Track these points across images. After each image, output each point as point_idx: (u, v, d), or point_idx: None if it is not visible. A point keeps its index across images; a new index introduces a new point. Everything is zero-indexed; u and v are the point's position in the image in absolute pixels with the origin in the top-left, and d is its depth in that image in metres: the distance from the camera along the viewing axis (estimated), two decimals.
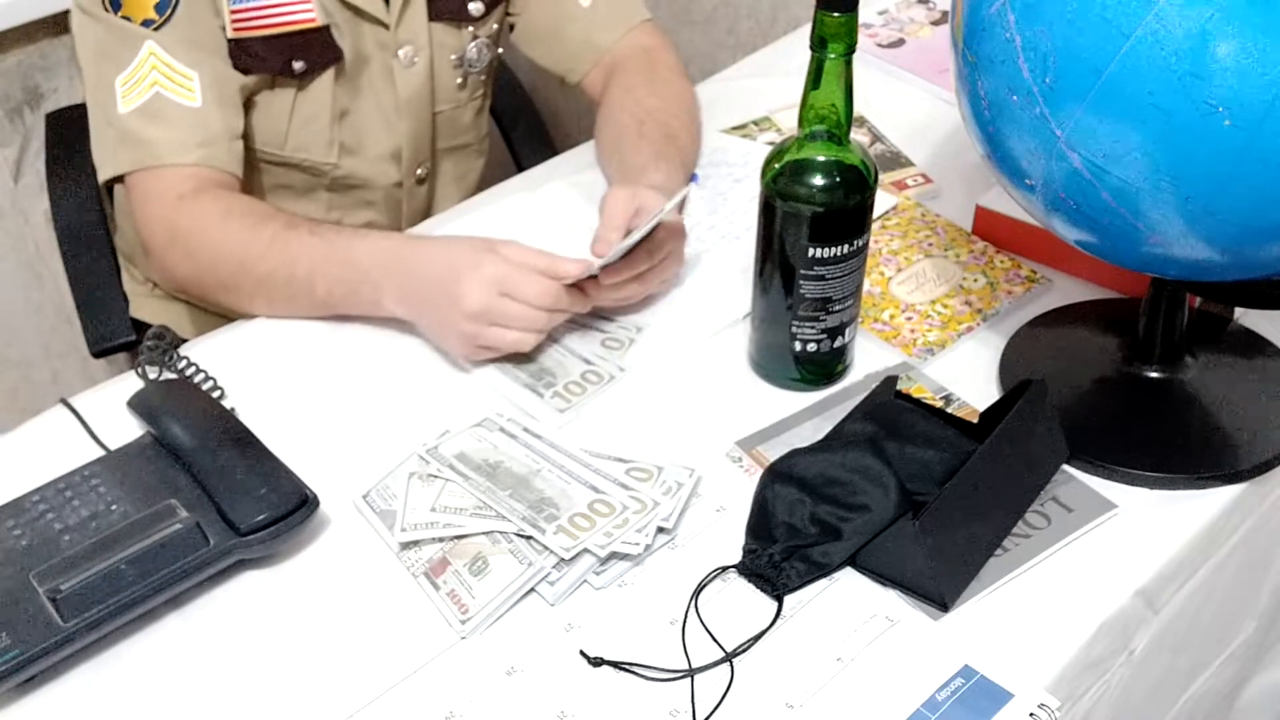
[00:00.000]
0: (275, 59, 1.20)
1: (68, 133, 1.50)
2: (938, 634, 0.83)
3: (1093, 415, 0.99)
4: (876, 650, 0.82)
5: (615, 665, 0.82)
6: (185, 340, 1.11)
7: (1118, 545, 0.90)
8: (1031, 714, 0.78)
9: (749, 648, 0.83)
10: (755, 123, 1.37)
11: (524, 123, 1.68)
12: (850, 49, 0.89)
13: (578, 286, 1.04)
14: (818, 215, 0.93)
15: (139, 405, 0.99)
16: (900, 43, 1.49)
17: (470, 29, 1.33)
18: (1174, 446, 0.96)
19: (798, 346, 1.00)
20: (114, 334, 1.40)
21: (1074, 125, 0.78)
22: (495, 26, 1.37)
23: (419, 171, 1.38)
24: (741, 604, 0.86)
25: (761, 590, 0.86)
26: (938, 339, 1.07)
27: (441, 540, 0.89)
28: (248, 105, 1.21)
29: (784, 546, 0.86)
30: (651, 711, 0.79)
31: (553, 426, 1.00)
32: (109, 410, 1.02)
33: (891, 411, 0.94)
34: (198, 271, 1.13)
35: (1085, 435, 0.95)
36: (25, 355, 1.93)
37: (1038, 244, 1.13)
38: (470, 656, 0.83)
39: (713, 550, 0.89)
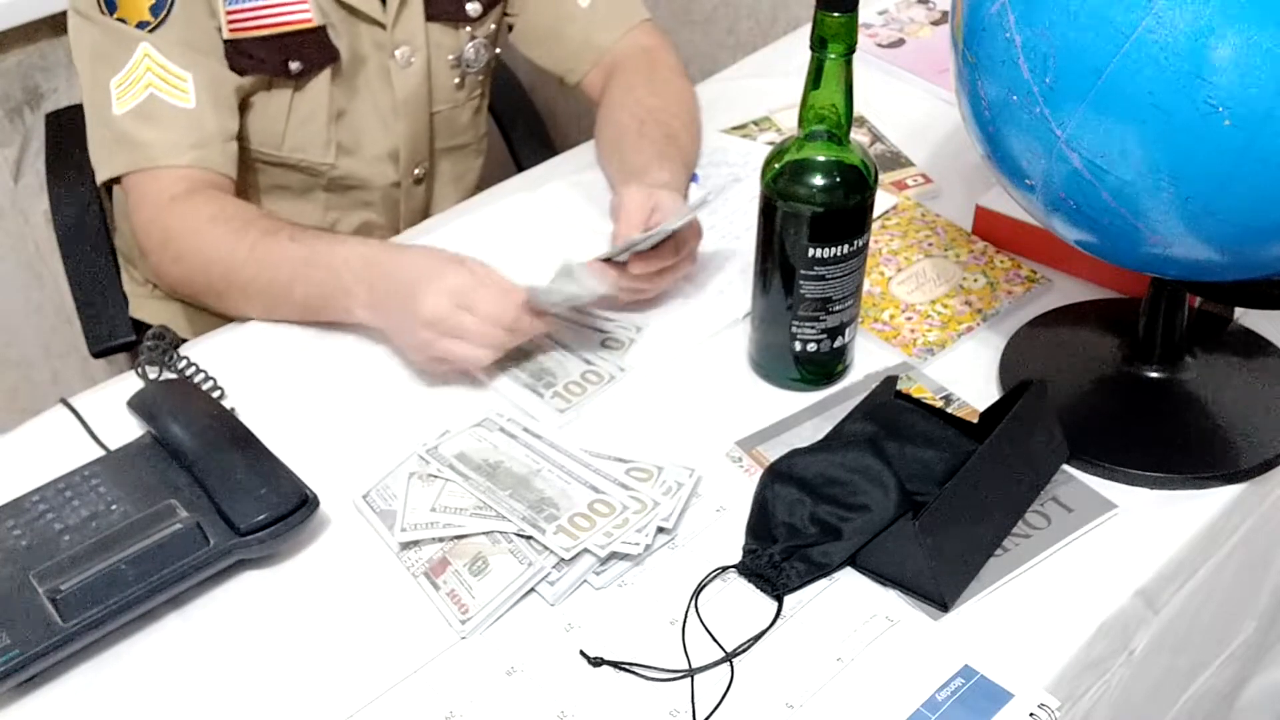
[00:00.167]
0: (271, 60, 1.20)
1: (68, 133, 1.50)
2: (938, 634, 0.83)
3: (1093, 415, 0.99)
4: (876, 650, 0.82)
5: (615, 665, 0.82)
6: (185, 340, 1.12)
7: (1118, 545, 0.90)
8: (1031, 714, 0.78)
9: (749, 648, 0.83)
10: (755, 123, 1.37)
11: (523, 122, 1.68)
12: (850, 49, 0.89)
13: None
14: (818, 215, 0.93)
15: (139, 405, 0.99)
16: (900, 43, 1.49)
17: (468, 29, 1.33)
18: (1174, 446, 0.96)
19: (798, 346, 1.00)
20: (114, 334, 1.40)
21: (1074, 125, 0.78)
22: (493, 27, 1.37)
23: (416, 171, 1.38)
24: (741, 604, 0.86)
25: (761, 590, 0.86)
26: (938, 339, 1.07)
27: (441, 540, 0.89)
28: (244, 106, 1.21)
29: (784, 546, 0.86)
30: (651, 711, 0.79)
31: (553, 426, 1.00)
32: (109, 410, 1.02)
33: (891, 411, 0.94)
34: (188, 274, 1.14)
35: (1085, 435, 0.95)
36: (25, 355, 1.93)
37: (1038, 244, 1.13)
38: (470, 656, 0.83)
39: (713, 550, 0.89)
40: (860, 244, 0.96)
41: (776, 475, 0.89)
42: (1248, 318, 1.07)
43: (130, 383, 1.05)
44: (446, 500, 0.91)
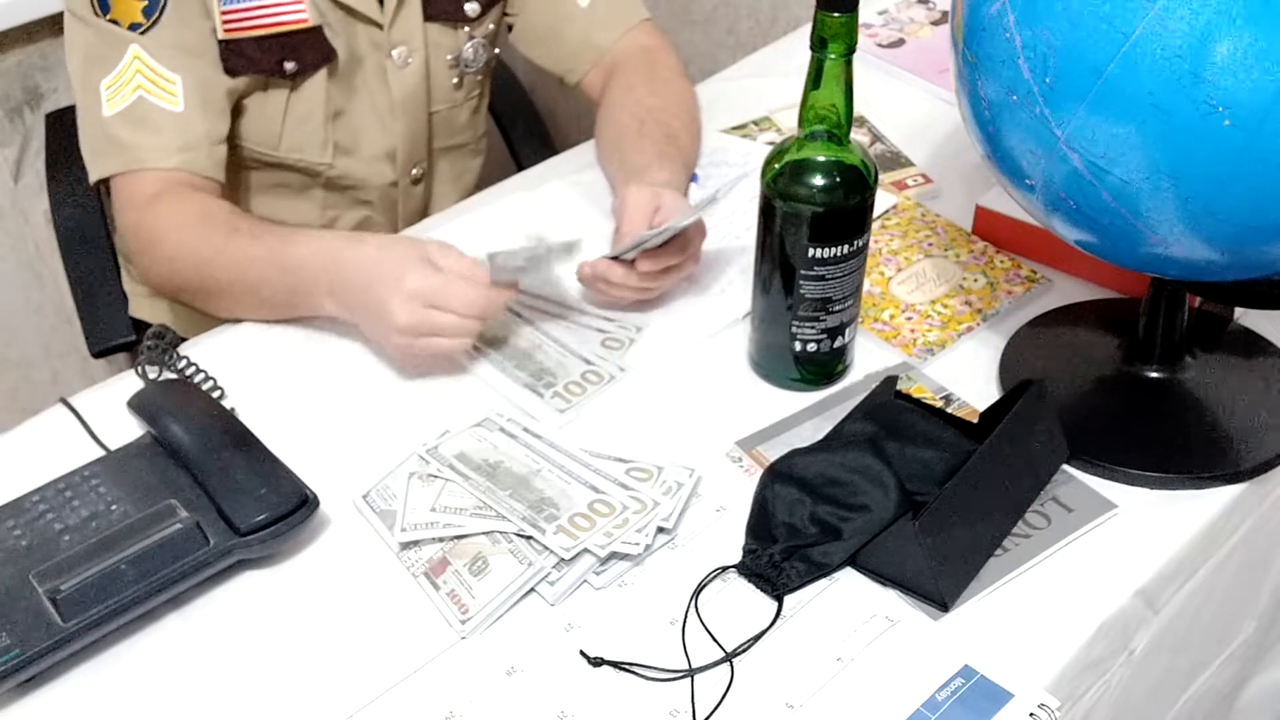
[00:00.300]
0: (266, 60, 1.20)
1: (68, 133, 1.50)
2: (938, 634, 0.83)
3: (1093, 415, 0.99)
4: (876, 650, 0.82)
5: (615, 665, 0.82)
6: (185, 340, 1.12)
7: (1118, 545, 0.90)
8: (1031, 714, 0.78)
9: (749, 648, 0.83)
10: (755, 123, 1.37)
11: (523, 122, 1.68)
12: (850, 49, 0.89)
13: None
14: (818, 215, 0.93)
15: (139, 405, 0.99)
16: (900, 43, 1.49)
17: (466, 29, 1.33)
18: (1174, 446, 0.96)
19: (798, 346, 1.00)
20: (114, 334, 1.40)
21: (1074, 125, 0.78)
22: (492, 27, 1.37)
23: (415, 171, 1.38)
24: (741, 604, 0.86)
25: (761, 590, 0.86)
26: (938, 339, 1.07)
27: (441, 540, 0.89)
28: (240, 107, 1.21)
29: (784, 546, 0.86)
30: (651, 711, 0.79)
31: (553, 426, 1.00)
32: (109, 410, 1.02)
33: (891, 411, 0.94)
34: (171, 275, 1.14)
35: (1085, 435, 0.95)
36: (25, 355, 1.93)
37: (1038, 244, 1.13)
38: (470, 656, 0.83)
39: (713, 550, 0.89)
40: (860, 244, 0.96)
41: (776, 475, 0.89)
42: (1248, 318, 1.07)
43: (130, 383, 1.05)
44: (446, 500, 0.91)
